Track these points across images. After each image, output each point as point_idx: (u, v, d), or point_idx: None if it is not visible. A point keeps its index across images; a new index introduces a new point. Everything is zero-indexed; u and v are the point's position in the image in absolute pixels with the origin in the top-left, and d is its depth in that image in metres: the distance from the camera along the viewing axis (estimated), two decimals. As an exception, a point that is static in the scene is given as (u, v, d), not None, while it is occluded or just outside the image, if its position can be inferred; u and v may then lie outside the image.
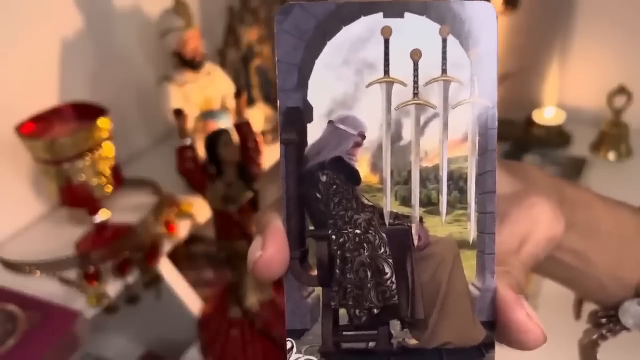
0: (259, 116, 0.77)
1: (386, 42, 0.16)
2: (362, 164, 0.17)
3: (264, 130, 0.79)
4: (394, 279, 0.17)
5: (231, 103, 0.70)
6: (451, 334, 0.17)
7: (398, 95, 0.16)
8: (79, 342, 0.50)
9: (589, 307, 0.27)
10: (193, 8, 0.66)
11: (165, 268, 0.60)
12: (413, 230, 0.17)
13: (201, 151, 0.55)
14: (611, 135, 0.83)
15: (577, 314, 0.28)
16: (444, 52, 0.16)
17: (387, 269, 0.17)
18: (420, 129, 0.17)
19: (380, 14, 0.16)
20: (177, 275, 0.62)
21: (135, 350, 0.66)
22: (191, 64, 0.66)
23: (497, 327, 0.18)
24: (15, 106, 0.57)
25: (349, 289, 0.17)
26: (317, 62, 0.16)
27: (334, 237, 0.17)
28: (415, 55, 0.16)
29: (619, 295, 0.24)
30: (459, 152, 0.17)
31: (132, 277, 0.56)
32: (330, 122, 0.17)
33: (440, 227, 0.17)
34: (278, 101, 0.16)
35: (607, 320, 0.24)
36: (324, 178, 0.17)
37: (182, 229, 0.63)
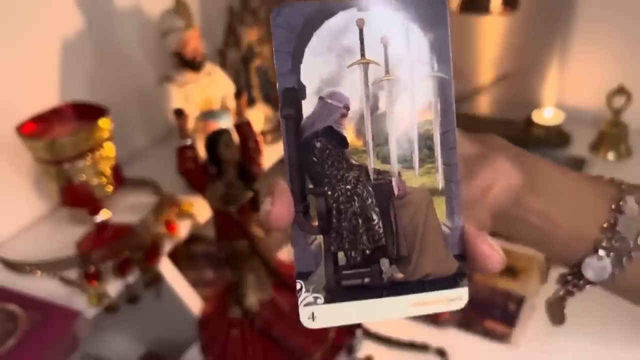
0: (259, 116, 0.77)
1: (361, 31, 0.20)
2: (348, 131, 0.21)
3: (264, 130, 0.80)
4: (380, 224, 0.21)
5: (231, 103, 0.70)
6: (430, 266, 0.21)
7: (373, 74, 0.20)
8: (79, 342, 0.50)
9: (554, 275, 0.29)
10: (193, 8, 0.66)
11: (166, 268, 0.60)
12: (393, 183, 0.21)
13: (201, 151, 0.55)
14: (611, 136, 0.83)
15: (544, 279, 0.31)
16: (407, 37, 0.20)
17: (375, 217, 0.21)
18: (393, 100, 0.21)
19: (355, 9, 0.20)
20: (178, 275, 0.62)
21: (135, 350, 0.66)
22: (191, 64, 0.66)
23: (466, 258, 0.21)
24: (16, 106, 0.57)
25: (345, 235, 0.21)
26: (306, 49, 0.20)
27: (329, 192, 0.21)
28: (385, 40, 0.20)
29: (581, 253, 0.27)
30: (425, 117, 0.21)
31: (132, 277, 0.57)
32: (320, 98, 0.20)
33: (414, 179, 0.21)
34: (277, 84, 0.20)
35: (572, 277, 0.28)
36: (318, 144, 0.21)
37: (183, 228, 0.63)
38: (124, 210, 0.63)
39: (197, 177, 0.55)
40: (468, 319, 0.61)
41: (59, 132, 0.56)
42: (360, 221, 0.21)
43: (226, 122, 0.67)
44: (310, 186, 0.21)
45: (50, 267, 0.55)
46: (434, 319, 0.62)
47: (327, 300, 0.21)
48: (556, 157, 0.83)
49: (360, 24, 0.20)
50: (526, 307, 0.62)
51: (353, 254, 0.21)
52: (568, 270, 0.28)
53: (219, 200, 0.55)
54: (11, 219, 0.63)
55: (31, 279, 0.55)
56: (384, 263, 0.21)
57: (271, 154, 0.78)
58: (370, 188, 0.21)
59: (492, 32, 0.92)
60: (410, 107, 0.21)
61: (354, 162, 0.21)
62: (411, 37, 0.20)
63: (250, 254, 0.58)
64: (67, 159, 0.54)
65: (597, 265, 0.26)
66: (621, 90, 0.81)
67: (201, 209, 0.65)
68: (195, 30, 0.64)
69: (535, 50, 0.90)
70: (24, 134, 0.54)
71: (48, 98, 0.64)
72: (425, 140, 0.21)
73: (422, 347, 0.59)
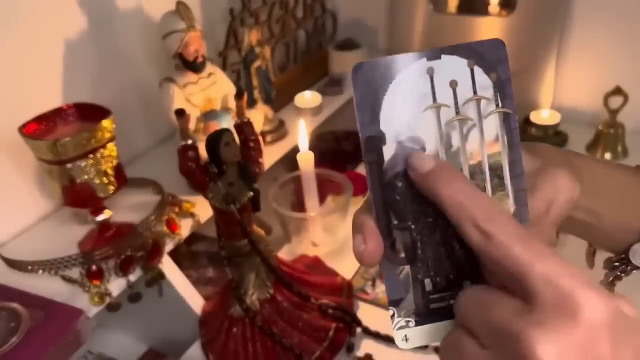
0: (259, 117, 0.77)
1: (431, 78, 0.22)
2: None
3: (264, 130, 0.80)
4: (461, 251, 0.23)
5: (232, 104, 0.71)
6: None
7: (445, 115, 0.23)
8: (82, 340, 0.51)
9: (601, 259, 0.31)
10: (195, 11, 0.66)
11: (168, 267, 0.61)
12: None
13: (203, 151, 0.56)
14: (608, 136, 0.84)
15: (591, 264, 0.33)
16: (473, 79, 0.22)
17: (456, 244, 0.23)
18: (464, 138, 0.23)
19: (425, 59, 0.22)
20: (179, 273, 0.63)
21: (137, 348, 0.67)
22: (193, 66, 0.66)
23: None
24: (19, 107, 0.58)
25: (430, 263, 0.23)
26: (384, 100, 0.22)
27: (413, 227, 0.23)
28: (453, 85, 0.22)
29: (627, 241, 0.29)
30: (494, 149, 0.23)
31: (134, 276, 0.57)
32: (399, 142, 0.23)
33: None
34: (360, 133, 0.22)
35: (620, 263, 0.29)
36: (400, 184, 0.23)
37: (184, 228, 0.64)
38: (126, 209, 0.63)
39: (199, 177, 0.56)
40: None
41: (62, 133, 0.56)
42: (443, 250, 0.23)
43: (227, 123, 0.68)
44: (396, 222, 0.23)
45: (53, 266, 0.55)
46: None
47: (418, 323, 0.23)
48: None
49: (431, 73, 0.22)
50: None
51: (439, 279, 0.23)
52: (615, 257, 0.30)
53: (220, 200, 0.55)
54: (14, 218, 0.64)
55: (34, 278, 0.55)
56: (467, 285, 0.23)
57: (271, 154, 0.78)
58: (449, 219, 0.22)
59: (490, 33, 0.93)
60: (480, 142, 0.23)
61: None
62: (476, 79, 0.22)
63: (251, 253, 0.58)
64: (70, 159, 0.54)
65: None
66: (618, 91, 0.82)
67: (202, 209, 0.66)
68: (196, 32, 0.65)
69: (533, 51, 0.90)
70: (27, 134, 0.55)
71: (51, 99, 0.65)
72: (496, 171, 0.23)
73: (421, 346, 0.59)
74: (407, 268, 0.23)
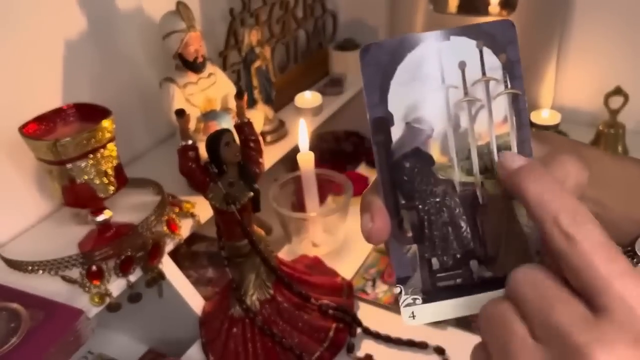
0: (259, 117, 0.77)
1: (440, 59, 0.22)
2: (434, 150, 0.23)
3: (264, 130, 0.80)
4: (468, 230, 0.23)
5: (232, 104, 0.71)
6: (514, 263, 0.22)
7: (453, 96, 0.22)
8: (81, 341, 0.51)
9: None
10: (195, 10, 0.66)
11: (168, 267, 0.61)
12: (477, 193, 0.23)
13: (203, 151, 0.56)
14: (608, 136, 0.84)
15: None
16: (481, 60, 0.22)
17: (463, 224, 0.23)
18: (472, 118, 0.23)
19: (432, 40, 0.22)
20: (179, 274, 0.63)
21: (137, 348, 0.67)
22: (193, 66, 0.66)
23: (544, 253, 0.23)
24: (19, 107, 0.58)
25: (437, 242, 0.23)
26: (392, 82, 0.22)
27: (420, 206, 0.23)
28: (462, 66, 0.22)
29: (633, 233, 0.28)
30: (502, 130, 0.23)
31: (134, 276, 0.57)
32: (407, 123, 0.23)
33: (496, 186, 0.23)
34: (367, 114, 0.22)
35: (626, 255, 0.29)
36: (407, 164, 0.23)
37: (184, 228, 0.64)
38: (126, 210, 0.63)
39: (199, 177, 0.56)
40: (466, 318, 0.61)
41: (61, 133, 0.56)
42: (450, 229, 0.23)
43: (227, 123, 0.68)
44: (403, 202, 0.23)
45: (53, 266, 0.55)
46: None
47: (425, 301, 0.24)
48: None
49: (440, 53, 0.22)
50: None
51: (445, 258, 0.23)
52: (621, 249, 0.30)
53: (220, 200, 0.55)
54: (14, 218, 0.64)
55: (34, 278, 0.55)
56: (474, 264, 0.23)
57: (271, 154, 0.78)
58: (457, 199, 0.23)
59: (490, 33, 0.93)
60: (488, 122, 0.23)
61: (440, 177, 0.23)
62: (485, 60, 0.22)
63: (251, 253, 0.58)
64: (70, 159, 0.54)
65: None
66: (618, 91, 0.82)
67: (202, 209, 0.66)
68: (196, 32, 0.65)
69: (533, 51, 0.90)
70: (27, 134, 0.55)
71: (51, 99, 0.65)
72: (504, 151, 0.23)
73: (421, 346, 0.59)
74: (414, 247, 0.23)
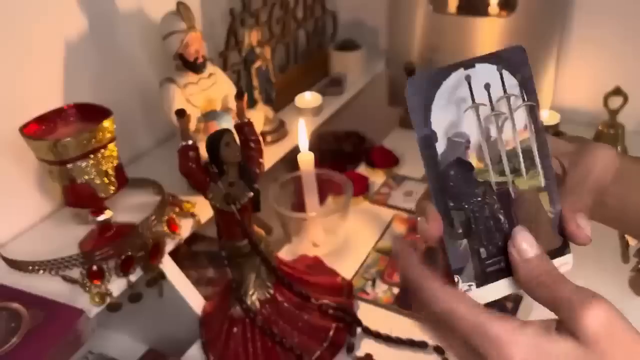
0: (259, 117, 0.77)
1: (469, 83, 0.27)
2: (472, 158, 0.28)
3: (264, 131, 0.80)
4: (506, 221, 0.28)
5: (232, 104, 0.71)
6: (543, 244, 0.27)
7: (483, 112, 0.27)
8: (82, 340, 0.51)
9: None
10: (195, 11, 0.66)
11: (168, 267, 0.61)
12: (510, 189, 0.28)
13: (203, 151, 0.56)
14: (607, 136, 0.84)
15: (626, 259, 0.36)
16: (502, 80, 0.27)
17: (501, 217, 0.28)
18: (500, 129, 0.28)
19: (462, 69, 0.27)
20: (180, 273, 0.63)
21: (137, 348, 0.67)
22: (193, 66, 0.66)
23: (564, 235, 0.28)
24: (20, 107, 0.58)
25: (483, 234, 0.28)
26: (432, 106, 0.27)
27: (466, 206, 0.28)
28: (487, 87, 0.27)
29: None
30: (524, 136, 0.28)
31: (135, 276, 0.57)
32: (448, 138, 0.27)
33: (524, 183, 0.28)
34: (416, 134, 0.27)
35: None
36: (452, 172, 0.27)
37: (184, 228, 0.64)
38: (126, 209, 0.63)
39: (199, 177, 0.56)
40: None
41: (62, 133, 0.57)
42: (492, 222, 0.28)
43: (227, 123, 0.68)
44: (452, 204, 0.27)
45: (53, 266, 0.55)
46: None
47: (478, 285, 0.28)
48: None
49: (468, 79, 0.27)
50: (523, 305, 0.62)
51: (491, 247, 0.28)
52: None
53: (220, 200, 0.55)
54: (14, 218, 0.64)
55: (34, 278, 0.56)
56: (517, 227, 0.28)
57: (271, 154, 0.79)
58: (494, 196, 0.28)
59: (489, 34, 0.93)
60: (513, 131, 0.28)
61: (479, 180, 0.28)
62: (505, 80, 0.27)
63: (252, 253, 0.58)
64: (71, 159, 0.54)
65: None
66: (618, 92, 0.82)
67: (203, 209, 0.66)
68: (197, 33, 0.65)
69: (533, 52, 0.90)
70: (28, 135, 0.55)
71: (52, 99, 0.65)
72: (527, 153, 0.28)
73: (421, 345, 0.59)
74: (465, 241, 0.28)
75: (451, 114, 0.27)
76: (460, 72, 0.27)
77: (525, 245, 0.27)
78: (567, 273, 0.27)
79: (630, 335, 0.23)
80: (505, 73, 0.27)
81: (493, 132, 0.27)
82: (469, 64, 0.27)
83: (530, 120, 0.28)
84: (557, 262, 0.28)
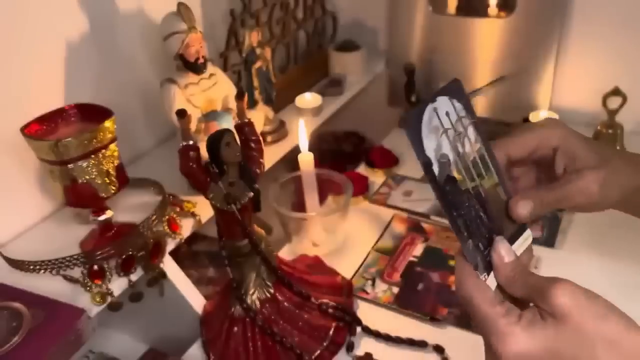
0: (260, 117, 0.78)
1: (437, 114, 0.33)
2: (455, 172, 0.33)
3: (264, 131, 0.81)
4: (485, 217, 0.34)
5: (233, 105, 0.71)
6: (507, 226, 0.35)
7: (450, 134, 0.33)
8: (83, 340, 0.51)
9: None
10: (196, 12, 0.67)
11: (169, 266, 0.61)
12: (480, 191, 0.34)
13: (203, 152, 0.56)
14: (606, 136, 0.84)
15: None
16: (454, 107, 0.34)
17: (482, 214, 0.34)
18: (462, 145, 0.34)
19: (430, 103, 0.33)
20: (180, 273, 0.63)
21: (138, 347, 0.67)
22: (194, 67, 0.66)
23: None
24: (21, 107, 0.58)
25: (475, 232, 0.33)
26: (422, 136, 0.32)
27: (462, 212, 0.33)
28: (447, 114, 0.33)
29: None
30: (477, 146, 0.35)
31: (135, 275, 0.57)
32: (438, 160, 0.32)
33: (487, 182, 0.35)
34: (418, 160, 0.32)
35: None
36: (448, 188, 0.33)
37: (185, 227, 0.64)
38: (127, 209, 0.64)
39: (199, 177, 0.56)
40: (466, 317, 0.62)
41: (63, 133, 0.57)
42: (479, 221, 0.33)
43: (228, 123, 0.68)
44: (454, 213, 0.32)
45: (54, 265, 0.56)
46: (433, 317, 0.63)
47: (488, 273, 0.34)
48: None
49: (436, 110, 0.32)
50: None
51: (484, 241, 0.33)
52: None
53: (220, 200, 0.56)
54: (15, 218, 0.64)
55: (35, 278, 0.56)
56: (499, 238, 0.34)
57: (272, 154, 0.79)
58: (474, 199, 0.33)
59: (488, 34, 0.94)
60: (469, 144, 0.34)
61: (462, 188, 0.33)
62: (455, 106, 0.34)
63: (252, 253, 0.58)
64: (72, 159, 0.54)
65: None
66: (616, 92, 0.82)
67: (203, 209, 0.66)
68: (197, 33, 0.65)
69: (532, 52, 0.91)
70: (29, 135, 0.55)
71: (53, 99, 0.65)
72: (483, 158, 0.35)
73: (420, 344, 0.59)
74: (470, 241, 0.33)
75: (434, 141, 0.32)
76: (430, 106, 0.32)
77: (504, 252, 0.33)
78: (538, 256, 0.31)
79: (593, 301, 0.28)
80: (454, 101, 0.33)
81: (460, 148, 0.33)
82: (433, 99, 0.33)
83: (476, 133, 0.34)
84: (521, 238, 0.35)
